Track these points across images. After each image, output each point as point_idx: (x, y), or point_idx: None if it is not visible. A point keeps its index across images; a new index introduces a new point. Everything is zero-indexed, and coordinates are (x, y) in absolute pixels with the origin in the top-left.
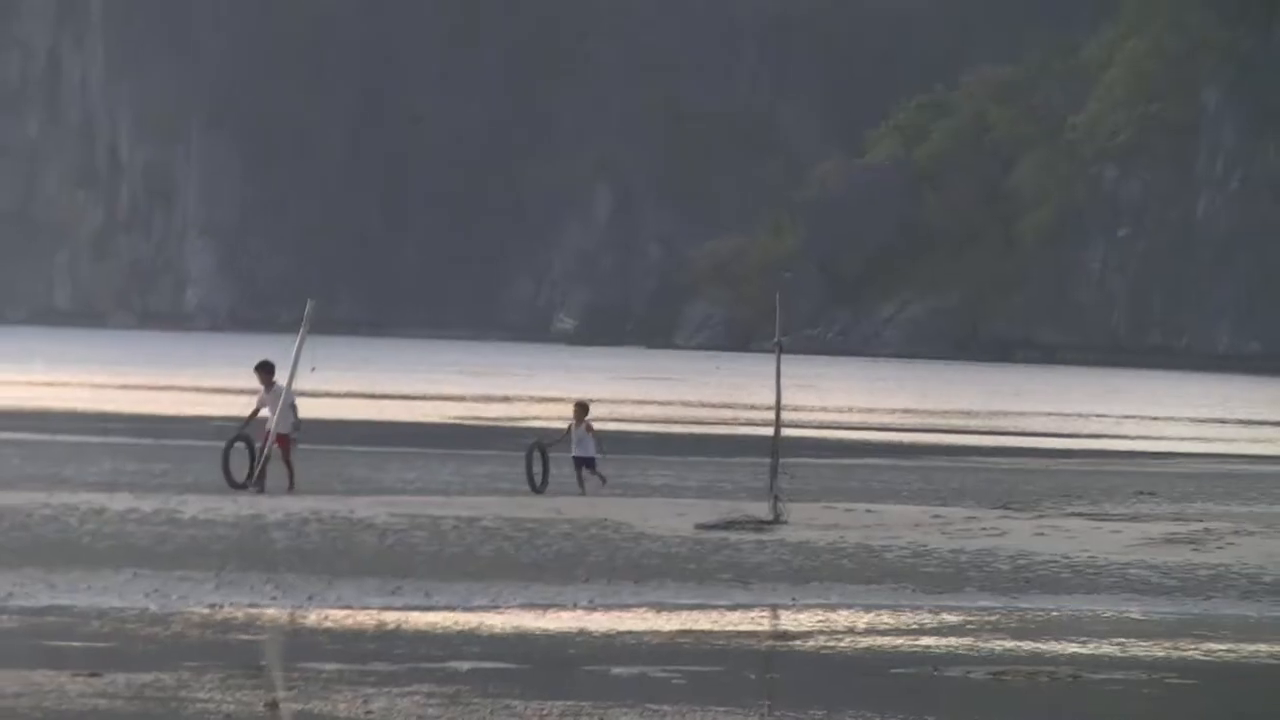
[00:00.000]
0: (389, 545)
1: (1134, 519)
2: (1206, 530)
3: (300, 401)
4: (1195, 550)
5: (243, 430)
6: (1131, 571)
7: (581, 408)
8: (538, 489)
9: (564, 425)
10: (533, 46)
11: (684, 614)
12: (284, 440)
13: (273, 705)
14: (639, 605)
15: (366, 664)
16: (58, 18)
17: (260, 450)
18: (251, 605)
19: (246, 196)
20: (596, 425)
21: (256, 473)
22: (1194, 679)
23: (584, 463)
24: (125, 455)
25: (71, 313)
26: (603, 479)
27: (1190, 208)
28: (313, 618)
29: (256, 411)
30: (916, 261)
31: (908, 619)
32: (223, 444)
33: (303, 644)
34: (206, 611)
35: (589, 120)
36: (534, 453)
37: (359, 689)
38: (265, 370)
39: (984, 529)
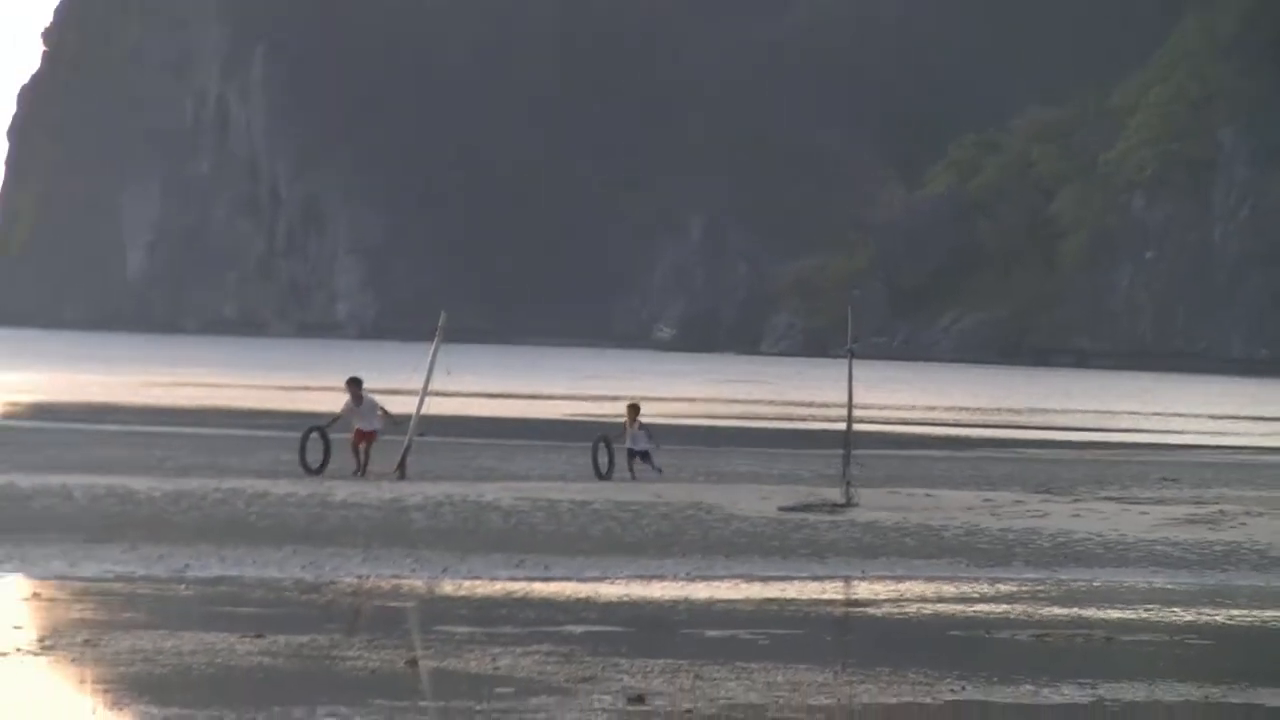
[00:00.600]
0: (512, 525)
1: (1159, 502)
2: (1222, 512)
3: (435, 400)
4: (1212, 529)
5: (325, 425)
6: (1157, 548)
7: (634, 409)
8: (603, 476)
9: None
10: (634, 92)
11: (769, 584)
12: (370, 435)
13: (412, 663)
14: (730, 577)
15: (494, 627)
16: (224, 72)
17: (404, 445)
18: (394, 576)
19: (388, 223)
20: (690, 421)
21: (397, 464)
22: (1212, 640)
23: (637, 454)
24: (282, 447)
25: (237, 322)
26: (659, 470)
27: (1208, 233)
28: (447, 587)
29: (339, 418)
30: (969, 279)
31: (963, 589)
32: (305, 434)
33: (438, 610)
34: (355, 581)
35: (684, 154)
36: (599, 445)
37: (487, 649)
38: (354, 385)
39: (1028, 511)
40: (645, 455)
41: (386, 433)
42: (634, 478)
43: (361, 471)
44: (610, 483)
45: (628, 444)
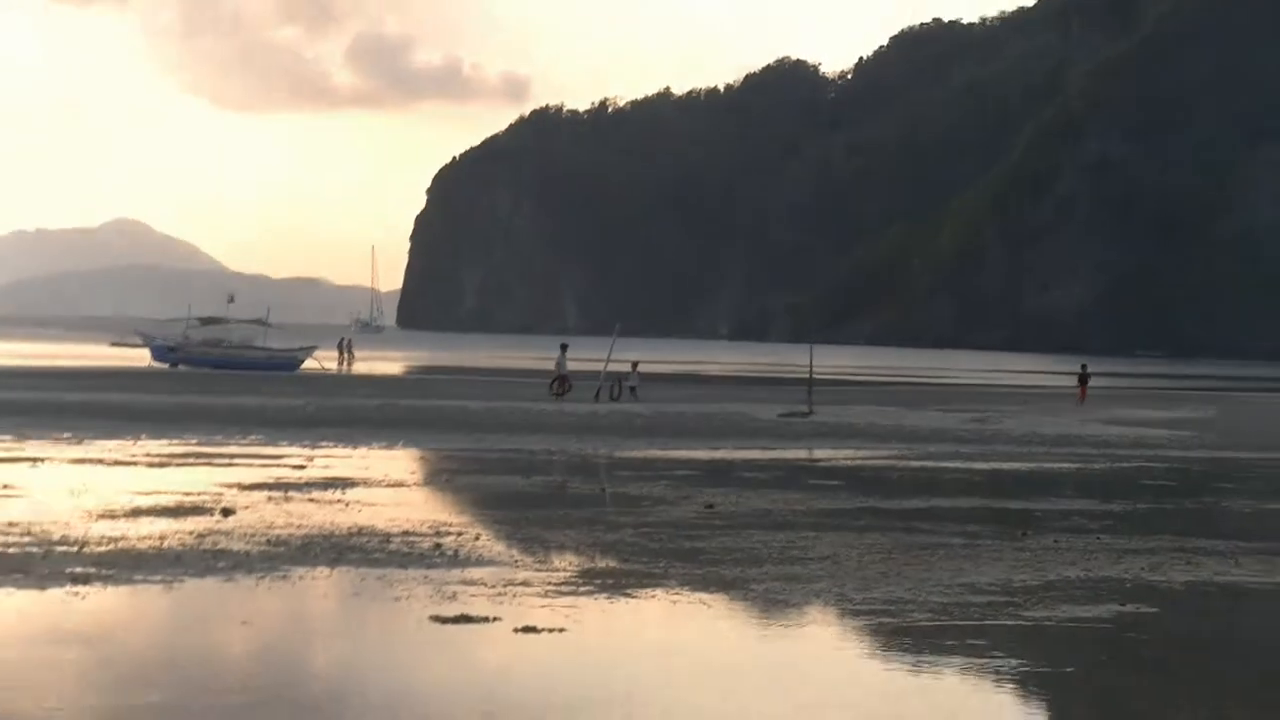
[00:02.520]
0: (642, 425)
1: (964, 411)
2: (990, 416)
3: (621, 368)
4: (982, 424)
5: (555, 375)
6: (959, 431)
7: (635, 364)
8: (611, 400)
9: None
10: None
11: (772, 451)
12: (565, 379)
13: (602, 490)
14: (753, 447)
15: (639, 472)
16: (514, 198)
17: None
18: (590, 450)
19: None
20: (726, 373)
21: (605, 394)
22: (987, 478)
23: (632, 388)
24: (538, 388)
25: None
26: (638, 399)
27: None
28: (617, 455)
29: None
30: (871, 300)
31: (867, 452)
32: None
33: (615, 465)
34: (575, 451)
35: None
36: (614, 382)
37: (637, 483)
38: (563, 349)
39: (901, 416)
40: (634, 390)
41: (577, 379)
42: (635, 400)
43: (560, 397)
44: (682, 405)
45: (629, 383)
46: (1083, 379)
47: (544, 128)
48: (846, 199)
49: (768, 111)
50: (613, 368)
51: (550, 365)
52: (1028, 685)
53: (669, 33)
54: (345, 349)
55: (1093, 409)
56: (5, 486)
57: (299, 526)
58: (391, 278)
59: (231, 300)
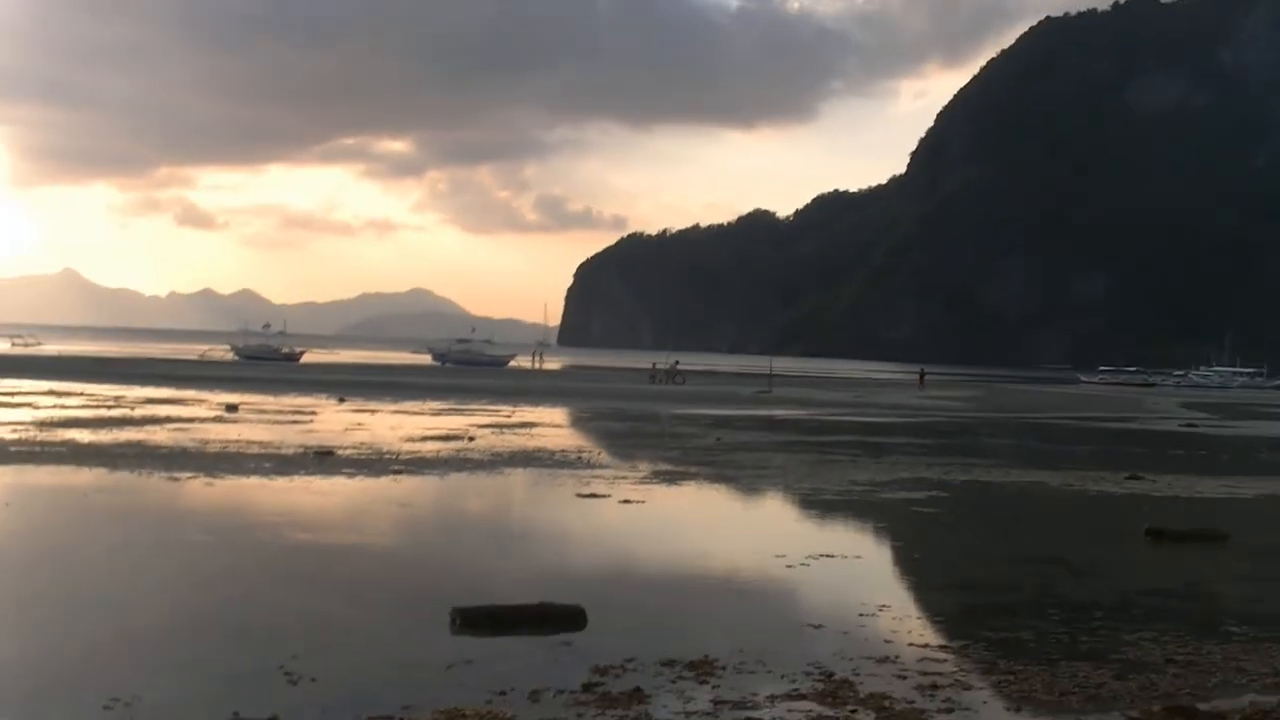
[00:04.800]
0: (687, 395)
1: (844, 389)
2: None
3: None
4: (859, 396)
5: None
6: (840, 396)
7: (675, 362)
8: (659, 383)
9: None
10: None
11: (749, 411)
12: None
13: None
14: (739, 409)
15: (681, 420)
16: (615, 277)
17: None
18: (656, 409)
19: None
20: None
21: (662, 380)
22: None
23: (676, 375)
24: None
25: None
26: (682, 383)
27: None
28: (670, 412)
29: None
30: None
31: (810, 412)
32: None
33: (668, 418)
34: (648, 409)
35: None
36: (662, 373)
37: (679, 425)
38: (668, 361)
39: (825, 392)
40: (677, 377)
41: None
42: (680, 385)
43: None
44: (702, 386)
45: (676, 374)
46: (921, 375)
47: (632, 243)
48: (795, 280)
49: (749, 234)
50: (663, 366)
51: (648, 365)
52: (880, 526)
53: (703, 190)
54: (536, 355)
55: (923, 391)
56: (358, 425)
57: (507, 447)
58: (554, 317)
59: (473, 331)
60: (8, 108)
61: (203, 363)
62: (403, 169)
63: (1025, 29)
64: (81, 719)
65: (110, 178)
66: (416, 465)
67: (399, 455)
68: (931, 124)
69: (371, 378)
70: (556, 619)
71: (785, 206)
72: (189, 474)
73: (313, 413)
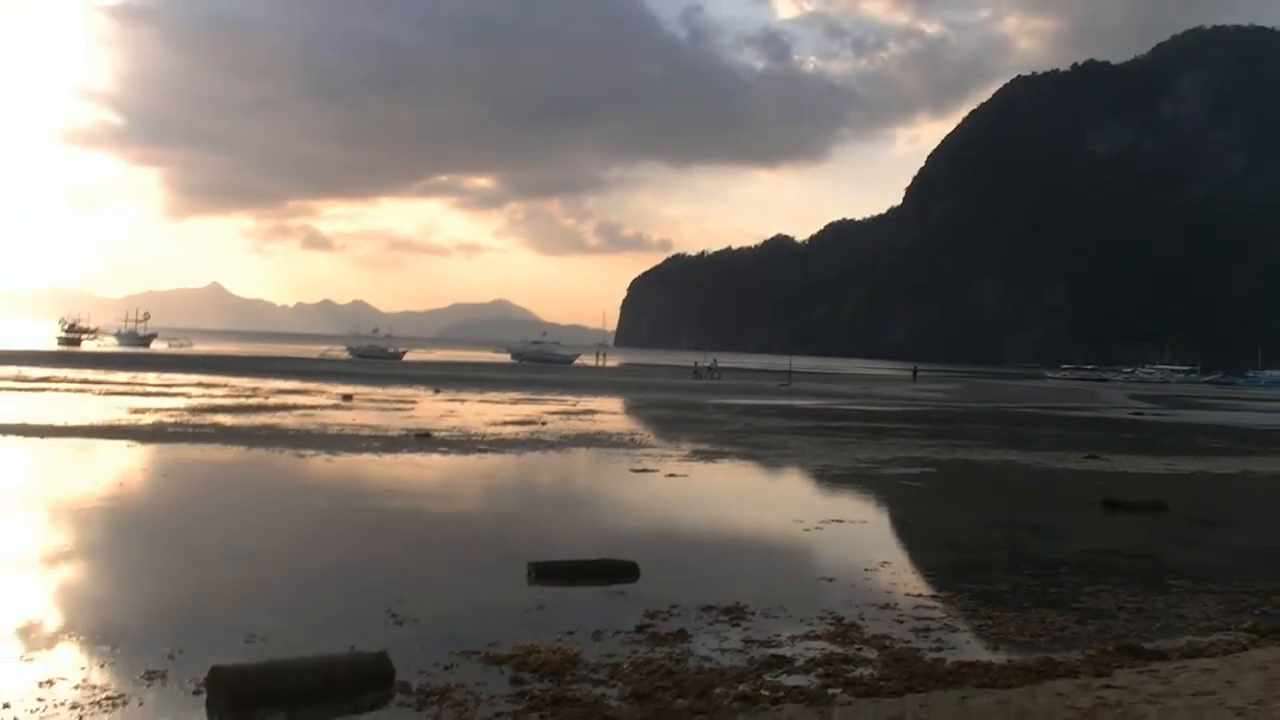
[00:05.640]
0: (722, 387)
1: (840, 385)
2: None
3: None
4: (853, 388)
5: (701, 365)
6: (838, 390)
7: (714, 359)
8: (697, 378)
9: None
10: None
11: (772, 401)
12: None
13: (702, 416)
14: (765, 399)
15: (718, 408)
16: (661, 293)
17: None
18: (698, 399)
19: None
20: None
21: (705, 375)
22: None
23: (716, 371)
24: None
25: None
26: (719, 377)
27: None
28: (709, 402)
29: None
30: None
31: (823, 402)
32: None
33: (708, 407)
34: (691, 400)
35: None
36: (700, 368)
37: (716, 413)
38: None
39: (836, 388)
40: (716, 372)
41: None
42: (717, 379)
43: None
44: (733, 380)
45: (714, 370)
46: (914, 371)
47: (676, 262)
48: (810, 292)
49: (773, 254)
50: (704, 363)
51: (691, 363)
52: (881, 496)
53: (735, 218)
54: (600, 354)
55: (916, 385)
56: (450, 411)
57: (573, 430)
58: (611, 323)
59: (545, 334)
60: (164, 151)
61: (323, 360)
62: (487, 201)
63: (999, 86)
64: (227, 650)
65: (248, 209)
66: (498, 445)
67: (484, 437)
68: (922, 164)
69: (461, 373)
70: (614, 572)
71: (802, 232)
72: (312, 451)
73: (413, 401)
